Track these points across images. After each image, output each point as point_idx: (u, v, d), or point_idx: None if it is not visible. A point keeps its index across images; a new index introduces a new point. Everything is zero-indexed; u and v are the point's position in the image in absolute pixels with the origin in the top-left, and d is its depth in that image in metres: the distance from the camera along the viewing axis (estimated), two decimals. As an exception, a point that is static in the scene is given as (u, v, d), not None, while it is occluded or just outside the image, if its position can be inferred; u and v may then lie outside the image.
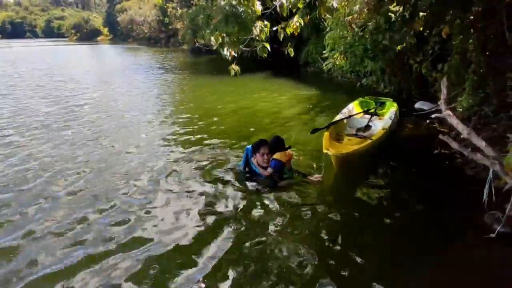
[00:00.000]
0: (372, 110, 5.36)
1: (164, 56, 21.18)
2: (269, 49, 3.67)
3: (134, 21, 42.61)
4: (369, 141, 4.06)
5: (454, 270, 2.54)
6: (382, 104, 5.65)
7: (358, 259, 2.57)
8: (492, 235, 2.71)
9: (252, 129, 5.87)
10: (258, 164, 3.72)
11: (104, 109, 7.62)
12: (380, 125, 4.82)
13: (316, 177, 3.66)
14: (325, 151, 3.68)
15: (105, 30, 59.60)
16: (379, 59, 6.15)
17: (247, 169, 3.84)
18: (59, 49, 28.92)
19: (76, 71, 15.32)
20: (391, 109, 5.44)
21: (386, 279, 2.43)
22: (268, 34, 3.62)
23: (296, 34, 3.74)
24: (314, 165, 4.13)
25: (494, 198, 2.95)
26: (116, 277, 2.42)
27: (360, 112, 5.39)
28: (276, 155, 3.63)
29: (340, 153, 3.59)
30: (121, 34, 50.16)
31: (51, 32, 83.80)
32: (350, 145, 4.14)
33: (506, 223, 2.74)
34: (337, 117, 5.06)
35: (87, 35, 62.45)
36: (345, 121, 5.06)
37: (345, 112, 5.44)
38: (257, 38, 3.57)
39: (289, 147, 3.85)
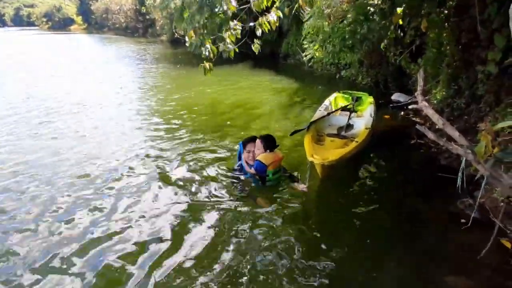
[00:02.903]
0: (350, 107, 5.17)
1: (142, 47, 20.53)
2: (237, 49, 3.46)
3: (110, 9, 40.96)
4: (354, 143, 3.83)
5: (428, 257, 2.64)
6: (359, 99, 5.51)
7: (335, 251, 2.62)
8: (464, 221, 2.83)
9: (229, 122, 5.80)
10: (246, 161, 3.60)
11: (82, 101, 7.35)
12: (362, 123, 4.63)
13: (301, 187, 3.43)
14: (310, 159, 3.35)
15: (79, 19, 57.00)
16: (357, 50, 6.20)
17: (237, 165, 3.73)
18: (33, 39, 27.39)
19: (54, 62, 14.56)
20: (369, 105, 5.28)
21: (364, 270, 2.50)
22: (239, 35, 3.40)
23: (273, 28, 3.61)
24: (296, 164, 3.99)
25: (466, 186, 3.09)
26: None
27: (338, 109, 5.21)
28: (261, 156, 3.41)
29: (328, 160, 3.28)
30: (95, 23, 48.13)
31: (20, 20, 79.36)
32: (334, 148, 3.91)
33: (477, 209, 2.87)
34: (316, 116, 4.85)
35: (59, 23, 59.56)
36: (324, 119, 4.86)
37: (322, 109, 5.24)
38: (227, 39, 3.30)
39: (277, 146, 3.60)
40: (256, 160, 3.40)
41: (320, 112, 5.05)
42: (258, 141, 3.52)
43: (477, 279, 2.42)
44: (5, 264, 2.48)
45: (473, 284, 2.38)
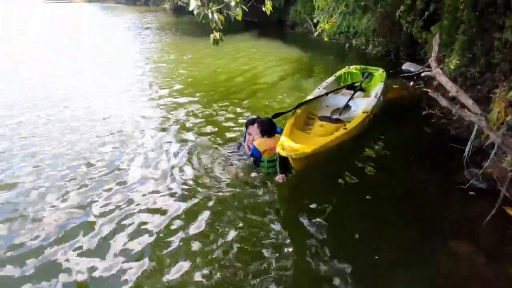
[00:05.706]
0: (357, 84, 4.52)
1: (144, 16, 19.92)
2: (245, 9, 3.23)
3: (110, -24, 39.51)
4: (342, 130, 3.26)
5: (432, 223, 2.70)
6: (370, 75, 4.85)
7: (334, 221, 2.65)
8: (472, 193, 2.87)
9: (235, 91, 5.71)
10: (247, 144, 3.43)
11: (83, 71, 7.31)
12: (362, 105, 3.97)
13: (278, 177, 3.04)
14: (277, 150, 2.83)
15: (79, -13, 55.28)
16: (371, 9, 5.93)
17: (239, 143, 3.65)
18: (36, 9, 26.52)
19: (58, 33, 14.26)
20: (378, 83, 4.60)
21: (367, 237, 2.53)
22: None
23: None
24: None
25: (475, 156, 3.09)
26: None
27: (342, 87, 4.54)
28: (257, 142, 3.17)
29: (297, 153, 2.76)
30: (96, -9, 46.69)
31: (19, -12, 77.20)
32: (321, 135, 3.38)
33: (484, 179, 2.89)
34: (311, 95, 4.21)
35: (60, -8, 57.91)
36: (321, 98, 4.20)
37: (322, 86, 4.56)
38: None
39: (277, 132, 3.30)
40: (253, 145, 3.21)
41: (318, 90, 4.39)
42: (255, 125, 3.29)
43: (479, 245, 2.47)
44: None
45: (475, 249, 2.43)
